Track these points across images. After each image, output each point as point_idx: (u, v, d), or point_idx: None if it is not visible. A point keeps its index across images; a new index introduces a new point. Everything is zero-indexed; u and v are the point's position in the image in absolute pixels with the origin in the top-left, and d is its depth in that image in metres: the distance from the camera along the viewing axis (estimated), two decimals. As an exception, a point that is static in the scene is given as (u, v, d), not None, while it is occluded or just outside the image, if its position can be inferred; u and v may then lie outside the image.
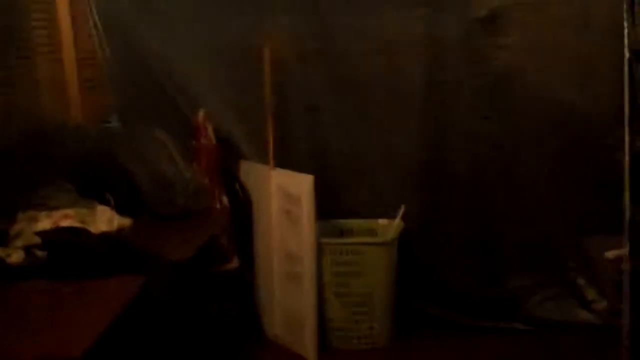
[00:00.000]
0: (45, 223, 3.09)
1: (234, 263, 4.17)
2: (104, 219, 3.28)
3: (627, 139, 3.55)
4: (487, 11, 4.20)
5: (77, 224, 3.11)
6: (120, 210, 3.39)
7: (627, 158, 3.55)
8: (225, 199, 4.19)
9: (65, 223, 3.11)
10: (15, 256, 2.90)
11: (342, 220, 4.44)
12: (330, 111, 4.42)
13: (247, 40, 4.33)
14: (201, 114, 4.16)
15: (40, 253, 2.91)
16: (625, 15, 3.54)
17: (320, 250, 4.07)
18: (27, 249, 2.92)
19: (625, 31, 3.55)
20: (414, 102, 4.34)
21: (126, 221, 3.36)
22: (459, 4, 4.23)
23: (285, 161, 4.21)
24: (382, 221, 4.38)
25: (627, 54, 3.54)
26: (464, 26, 4.23)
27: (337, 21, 4.32)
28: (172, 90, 4.39)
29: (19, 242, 2.97)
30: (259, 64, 4.20)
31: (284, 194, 4.10)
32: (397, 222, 4.28)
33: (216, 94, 4.40)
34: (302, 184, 3.97)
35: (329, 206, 4.29)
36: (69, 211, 3.20)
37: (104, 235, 3.14)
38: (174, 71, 4.39)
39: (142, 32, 4.37)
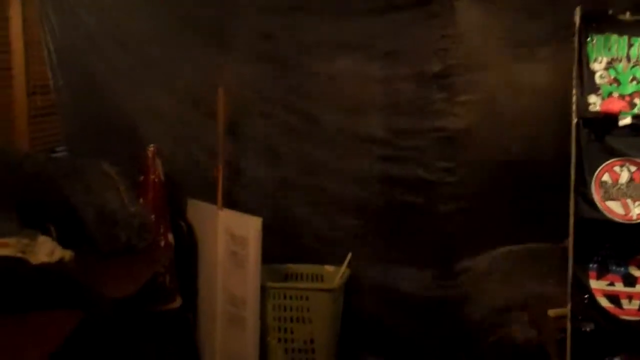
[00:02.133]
0: (-18, 251, 2.98)
1: (177, 303, 4.09)
2: (45, 250, 3.18)
3: (572, 202, 3.65)
4: (441, 67, 4.28)
5: (16, 254, 3.01)
6: (63, 242, 3.30)
7: (571, 221, 3.64)
8: (170, 237, 4.12)
9: (2, 252, 3.01)
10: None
11: (288, 265, 4.41)
12: (285, 152, 4.42)
13: (204, 80, 4.35)
14: (151, 149, 4.11)
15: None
16: (574, 83, 3.67)
17: (264, 294, 4.03)
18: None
19: (574, 99, 3.67)
20: (371, 150, 4.37)
21: (67, 253, 3.26)
22: (417, 57, 4.30)
23: (234, 201, 4.19)
24: (328, 267, 4.37)
25: (575, 119, 3.66)
26: (422, 79, 4.29)
27: (297, 62, 4.36)
28: (124, 124, 4.35)
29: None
30: (215, 104, 4.21)
31: (230, 235, 4.07)
32: (344, 269, 4.27)
33: (168, 130, 4.39)
34: (249, 225, 3.95)
35: (276, 249, 4.26)
36: (9, 240, 3.10)
37: (42, 267, 3.05)
38: (127, 106, 4.36)
39: (97, 65, 4.34)
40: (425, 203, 4.34)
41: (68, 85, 4.33)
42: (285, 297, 4.09)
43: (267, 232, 4.01)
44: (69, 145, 4.37)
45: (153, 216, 3.97)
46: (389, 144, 4.36)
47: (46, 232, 3.35)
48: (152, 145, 4.12)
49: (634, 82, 3.65)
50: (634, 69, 3.66)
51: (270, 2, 4.36)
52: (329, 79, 4.37)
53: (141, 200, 3.95)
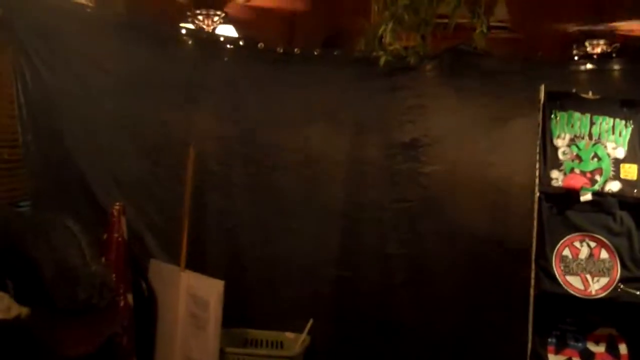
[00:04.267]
0: None
1: (133, 365, 4.01)
2: (1, 307, 3.12)
3: (533, 274, 3.69)
4: (409, 139, 4.35)
5: (-30, 310, 2.95)
6: (20, 298, 3.24)
7: (532, 294, 3.67)
8: (130, 297, 4.06)
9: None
10: None
11: (248, 330, 4.36)
12: (248, 218, 4.43)
13: (172, 139, 4.37)
14: (117, 207, 4.08)
15: None
16: (538, 158, 3.75)
17: (223, 359, 3.97)
18: None
19: (537, 172, 3.75)
20: (332, 218, 4.40)
21: (24, 310, 3.20)
22: (384, 127, 4.37)
23: (197, 263, 4.17)
24: (288, 334, 4.33)
25: (537, 194, 3.73)
26: (388, 150, 4.35)
27: (265, 130, 4.40)
28: (90, 181, 4.33)
29: None
30: (182, 163, 4.22)
31: (192, 297, 4.02)
32: (304, 336, 4.23)
33: (135, 189, 4.37)
34: (212, 288, 3.91)
35: (237, 314, 4.22)
36: (-37, 295, 3.04)
37: (-2, 324, 2.98)
38: (94, 163, 4.35)
39: (66, 121, 4.33)
40: (379, 275, 4.37)
41: (36, 140, 4.31)
42: (244, 364, 4.05)
43: (228, 296, 3.98)
44: (34, 199, 4.33)
45: (114, 275, 3.91)
46: (348, 215, 4.40)
47: (3, 288, 3.29)
48: (118, 203, 4.09)
49: (595, 160, 3.74)
50: (595, 147, 3.75)
51: (241, 71, 4.42)
52: (295, 148, 4.41)
53: (103, 258, 3.90)
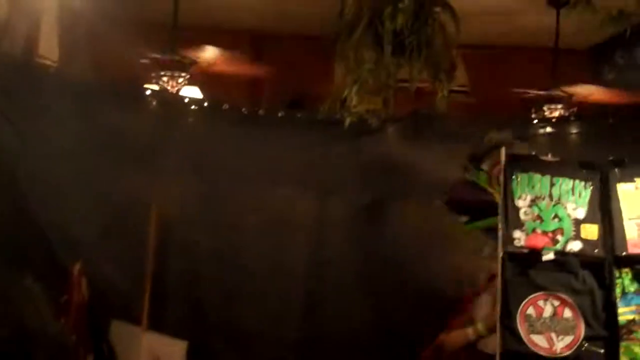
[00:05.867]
0: None
1: None
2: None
3: (498, 334, 3.69)
4: (371, 199, 4.38)
5: None
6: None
7: (498, 353, 3.67)
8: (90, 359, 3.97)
9: None
10: None
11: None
12: (212, 279, 4.38)
13: (135, 200, 4.33)
14: (77, 267, 4.01)
15: None
16: (500, 218, 3.80)
17: None
18: None
19: (500, 233, 3.78)
20: (295, 278, 4.40)
21: (-21, 373, 3.11)
22: (348, 188, 4.41)
23: (160, 324, 4.09)
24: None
25: (500, 253, 3.76)
26: (350, 210, 4.38)
27: (228, 190, 4.40)
28: (50, 238, 4.25)
29: None
30: (145, 223, 4.18)
31: (154, 359, 3.93)
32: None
33: (96, 248, 4.30)
34: (174, 349, 3.85)
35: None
36: None
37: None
38: (55, 220, 4.28)
39: (29, 179, 4.27)
40: (346, 336, 4.34)
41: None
42: None
43: (191, 357, 3.92)
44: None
45: (74, 337, 3.82)
46: (312, 275, 4.39)
47: (-42, 348, 3.19)
48: (78, 262, 4.02)
49: (556, 220, 3.78)
50: (556, 207, 3.80)
51: (206, 132, 4.44)
52: (259, 208, 4.41)
53: (62, 320, 3.81)
